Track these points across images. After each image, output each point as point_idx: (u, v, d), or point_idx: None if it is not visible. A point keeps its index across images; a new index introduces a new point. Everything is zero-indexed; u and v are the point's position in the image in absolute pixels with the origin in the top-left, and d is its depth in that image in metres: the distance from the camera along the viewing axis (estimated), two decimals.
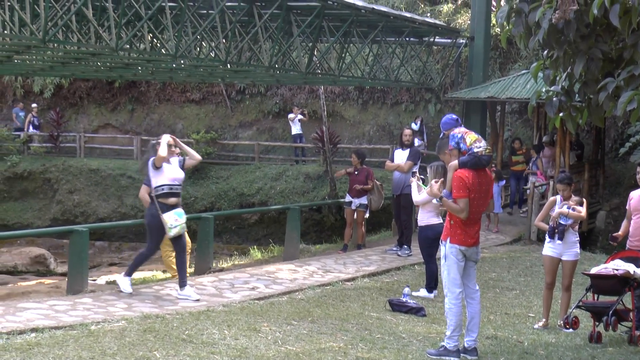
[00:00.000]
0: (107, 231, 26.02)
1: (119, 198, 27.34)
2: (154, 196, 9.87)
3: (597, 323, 8.54)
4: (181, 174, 10.11)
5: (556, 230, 9.20)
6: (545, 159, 19.51)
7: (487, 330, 8.75)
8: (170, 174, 9.89)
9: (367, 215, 15.71)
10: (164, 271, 16.18)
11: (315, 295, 10.54)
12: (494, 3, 21.89)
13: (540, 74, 7.09)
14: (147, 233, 10.18)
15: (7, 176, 28.50)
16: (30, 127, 30.19)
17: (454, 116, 8.16)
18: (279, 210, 21.40)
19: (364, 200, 15.20)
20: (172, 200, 9.84)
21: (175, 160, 10.10)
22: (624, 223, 9.52)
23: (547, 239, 9.39)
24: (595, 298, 8.81)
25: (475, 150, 7.53)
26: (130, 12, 15.14)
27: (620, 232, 9.48)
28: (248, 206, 25.01)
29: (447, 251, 7.51)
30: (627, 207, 9.51)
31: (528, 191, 18.29)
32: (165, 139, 9.89)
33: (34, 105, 30.62)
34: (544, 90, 7.24)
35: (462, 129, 7.85)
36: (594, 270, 8.85)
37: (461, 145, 7.63)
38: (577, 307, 8.77)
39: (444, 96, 23.56)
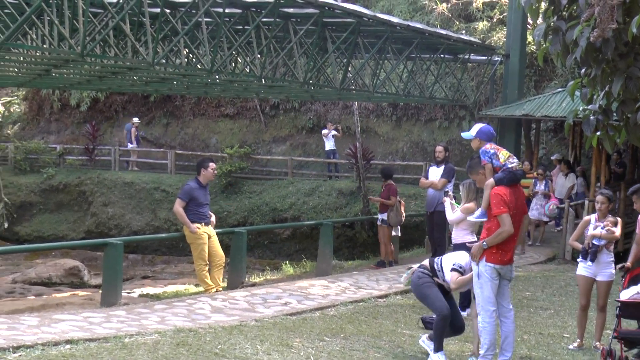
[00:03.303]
0: (141, 244, 26.17)
1: (152, 211, 27.50)
2: None
3: (625, 349, 8.30)
4: None
5: (589, 251, 9.08)
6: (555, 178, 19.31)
7: (521, 349, 8.66)
8: None
9: (395, 232, 15.72)
10: (196, 285, 16.23)
11: (348, 312, 10.51)
12: (529, 21, 21.77)
13: (577, 93, 7.04)
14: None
15: (43, 188, 28.84)
16: (134, 141, 30.41)
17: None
18: (311, 225, 21.38)
19: (385, 215, 15.42)
20: None
21: None
22: (633, 248, 9.08)
23: (580, 259, 9.28)
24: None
25: (510, 166, 7.52)
26: (167, 27, 15.28)
27: (629, 262, 8.90)
28: (281, 221, 25.01)
29: (482, 270, 7.46)
30: (636, 231, 9.09)
31: (545, 217, 18.04)
32: None
33: (135, 119, 30.79)
34: (581, 108, 7.19)
35: (494, 145, 7.80)
36: (626, 297, 8.56)
37: (494, 161, 7.60)
38: (614, 338, 8.48)
39: (479, 113, 23.45)
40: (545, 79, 25.08)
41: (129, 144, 30.64)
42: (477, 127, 7.96)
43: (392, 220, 15.52)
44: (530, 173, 18.45)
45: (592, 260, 9.05)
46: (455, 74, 22.74)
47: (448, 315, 7.88)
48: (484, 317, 7.46)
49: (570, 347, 9.11)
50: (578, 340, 9.21)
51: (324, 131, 26.90)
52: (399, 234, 16.00)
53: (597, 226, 9.15)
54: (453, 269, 7.99)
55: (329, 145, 26.86)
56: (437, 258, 8.32)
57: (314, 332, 8.91)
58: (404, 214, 15.77)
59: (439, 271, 8.06)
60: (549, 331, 9.96)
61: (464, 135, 8.07)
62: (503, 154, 7.63)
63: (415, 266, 8.42)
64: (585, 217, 9.74)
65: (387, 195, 15.51)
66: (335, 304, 10.96)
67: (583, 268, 9.21)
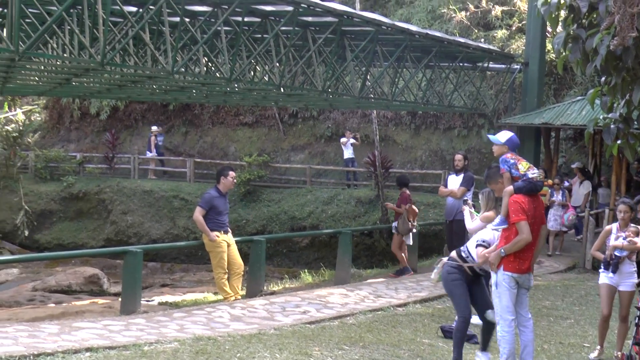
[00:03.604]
0: (160, 252, 26.22)
1: (171, 219, 27.56)
2: None
3: None
4: None
5: (610, 263, 9.02)
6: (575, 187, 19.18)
7: (541, 359, 8.62)
8: None
9: (406, 240, 15.70)
10: (215, 293, 16.25)
11: (367, 320, 10.50)
12: (549, 29, 21.70)
13: (597, 101, 7.02)
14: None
15: (63, 196, 28.99)
16: (154, 150, 30.54)
17: None
18: (330, 234, 21.37)
19: (396, 223, 15.59)
20: None
21: None
22: None
23: (602, 269, 9.23)
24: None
25: (531, 176, 7.51)
26: (186, 36, 15.34)
27: None
28: (299, 229, 25.01)
29: (500, 279, 7.44)
30: None
31: (564, 228, 17.94)
32: None
33: (154, 127, 30.92)
34: (601, 117, 7.16)
35: (514, 155, 7.78)
36: None
37: (512, 170, 7.59)
38: (636, 344, 8.51)
39: (498, 122, 23.37)
40: (565, 87, 24.97)
41: (147, 152, 30.75)
42: (508, 134, 7.94)
43: (400, 228, 15.66)
44: (545, 181, 18.15)
45: (614, 272, 8.99)
46: (474, 82, 22.69)
47: (468, 319, 8.01)
48: (503, 326, 7.44)
49: (591, 356, 9.06)
50: (598, 348, 9.15)
51: (343, 139, 26.91)
52: (410, 242, 15.90)
53: (618, 236, 9.07)
54: (478, 245, 8.08)
55: (348, 153, 26.85)
56: (462, 247, 8.34)
57: (332, 340, 8.90)
58: (415, 223, 15.74)
59: (468, 257, 8.10)
60: (569, 340, 9.90)
61: (492, 138, 8.02)
62: (523, 164, 7.62)
63: (444, 259, 8.45)
64: (607, 227, 9.67)
65: (400, 204, 15.66)
66: (354, 312, 10.95)
67: (605, 277, 9.15)
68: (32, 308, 16.16)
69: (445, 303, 12.17)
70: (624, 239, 8.99)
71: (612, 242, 9.10)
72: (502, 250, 7.39)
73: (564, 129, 22.19)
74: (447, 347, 9.06)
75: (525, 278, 7.54)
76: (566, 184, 19.58)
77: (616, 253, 8.99)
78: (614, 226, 9.26)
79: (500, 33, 26.21)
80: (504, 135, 7.92)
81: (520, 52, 23.89)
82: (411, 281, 14.17)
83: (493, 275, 7.53)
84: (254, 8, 14.54)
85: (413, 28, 17.65)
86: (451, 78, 21.70)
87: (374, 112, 23.95)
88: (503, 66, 22.56)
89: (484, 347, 8.20)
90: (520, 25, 26.15)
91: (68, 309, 16.07)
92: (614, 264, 8.96)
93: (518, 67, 22.28)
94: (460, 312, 8.17)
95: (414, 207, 15.74)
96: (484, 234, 8.20)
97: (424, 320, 10.73)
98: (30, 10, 13.24)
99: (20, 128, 32.27)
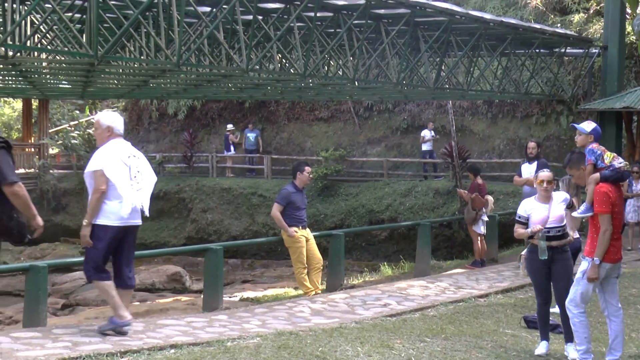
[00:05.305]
0: (240, 249, 26.48)
1: (250, 216, 27.82)
2: None
3: None
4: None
5: None
6: None
7: (630, 348, 8.43)
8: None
9: (476, 229, 15.49)
10: (295, 288, 16.34)
11: (448, 312, 10.42)
12: (628, 10, 21.20)
13: None
14: None
15: None
16: (232, 149, 31.03)
17: None
18: (409, 226, 21.28)
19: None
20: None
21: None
22: None
23: None
24: None
25: (618, 165, 7.39)
26: (259, 33, 15.45)
27: None
28: (377, 222, 24.98)
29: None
30: None
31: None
32: None
33: (229, 126, 31.39)
34: None
35: (599, 146, 7.66)
36: None
37: (599, 162, 7.46)
38: None
39: (577, 108, 22.96)
40: None
41: (225, 151, 31.09)
42: (593, 124, 7.85)
43: (465, 216, 15.56)
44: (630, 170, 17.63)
45: None
46: (552, 69, 22.33)
47: (542, 305, 8.08)
48: (578, 312, 7.34)
49: None
50: None
51: (425, 131, 26.80)
52: (481, 232, 15.67)
53: None
54: (516, 220, 8.19)
55: (426, 146, 26.77)
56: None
57: (414, 333, 8.86)
58: (482, 212, 15.46)
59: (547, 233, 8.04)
60: None
61: (579, 127, 7.90)
62: (608, 155, 7.51)
63: (524, 252, 8.39)
64: None
65: (469, 192, 15.49)
66: (435, 304, 10.88)
67: None
68: None
69: (527, 293, 12.00)
70: None
71: None
72: (596, 259, 7.24)
73: None
74: (531, 337, 8.93)
75: (617, 267, 7.42)
76: None
77: None
78: None
79: (577, 17, 25.68)
80: (589, 125, 7.81)
81: (598, 35, 23.39)
82: (492, 271, 14.01)
83: (585, 262, 7.36)
84: (326, 3, 14.57)
85: (487, 16, 17.47)
86: (527, 65, 21.40)
87: (449, 102, 23.78)
88: (581, 51, 22.15)
89: (570, 338, 8.07)
90: (598, 8, 25.58)
91: (152, 306, 16.37)
92: None
93: (596, 51, 21.84)
94: (536, 297, 8.28)
95: (479, 196, 15.43)
96: (519, 207, 8.28)
97: (506, 310, 10.59)
98: (107, 15, 13.51)
99: None
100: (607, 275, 7.36)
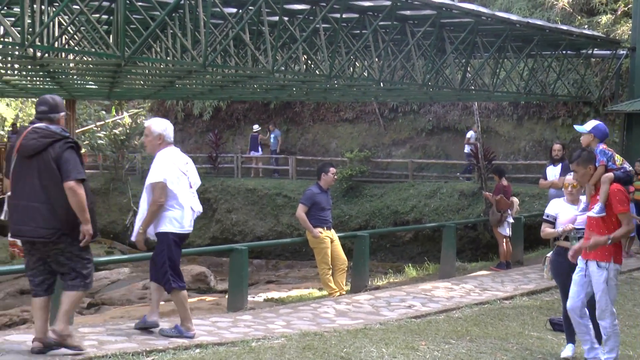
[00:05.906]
0: (264, 249, 26.54)
1: (275, 217, 27.88)
2: None
3: None
4: None
5: None
6: None
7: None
8: None
9: (502, 231, 15.38)
10: (320, 289, 16.36)
11: (473, 314, 10.39)
12: None
13: None
14: None
15: None
16: (259, 149, 31.16)
17: None
18: (433, 227, 21.24)
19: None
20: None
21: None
22: None
23: None
24: None
25: (628, 169, 7.47)
26: (285, 34, 15.49)
27: None
28: (402, 224, 24.93)
29: (612, 275, 7.24)
30: None
31: None
32: None
33: (255, 126, 31.52)
34: None
35: (609, 148, 7.68)
36: None
37: (610, 163, 7.47)
38: None
39: (604, 109, 22.79)
40: None
41: (252, 152, 31.17)
42: (593, 123, 7.86)
43: (490, 218, 15.50)
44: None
45: None
46: (579, 70, 22.19)
47: (568, 309, 7.86)
48: (613, 320, 7.27)
49: None
50: None
51: (470, 132, 26.58)
52: (507, 234, 15.57)
53: None
54: (543, 220, 8.18)
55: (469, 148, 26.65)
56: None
57: (439, 334, 8.85)
58: (507, 214, 15.35)
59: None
60: None
61: (578, 128, 7.94)
62: (618, 157, 7.56)
63: (549, 254, 8.36)
64: None
65: (493, 194, 15.43)
66: (460, 306, 10.85)
67: None
68: (143, 306, 16.59)
69: (553, 295, 11.93)
70: None
71: None
72: (609, 239, 7.18)
73: None
74: (557, 340, 8.89)
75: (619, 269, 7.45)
76: None
77: None
78: None
79: (605, 18, 25.49)
80: (589, 124, 7.85)
81: (626, 37, 23.21)
82: (517, 273, 13.96)
83: (603, 272, 7.26)
84: (351, 4, 14.57)
85: (513, 17, 17.40)
86: (554, 66, 21.28)
87: (475, 103, 23.69)
88: (608, 52, 21.99)
89: (572, 340, 8.04)
90: (625, 9, 25.36)
91: None
92: None
93: (624, 52, 21.68)
94: (562, 299, 8.18)
95: (504, 198, 15.33)
96: (548, 207, 8.28)
97: (532, 313, 10.55)
98: (134, 16, 13.59)
99: (127, 131, 33.21)
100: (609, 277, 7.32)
